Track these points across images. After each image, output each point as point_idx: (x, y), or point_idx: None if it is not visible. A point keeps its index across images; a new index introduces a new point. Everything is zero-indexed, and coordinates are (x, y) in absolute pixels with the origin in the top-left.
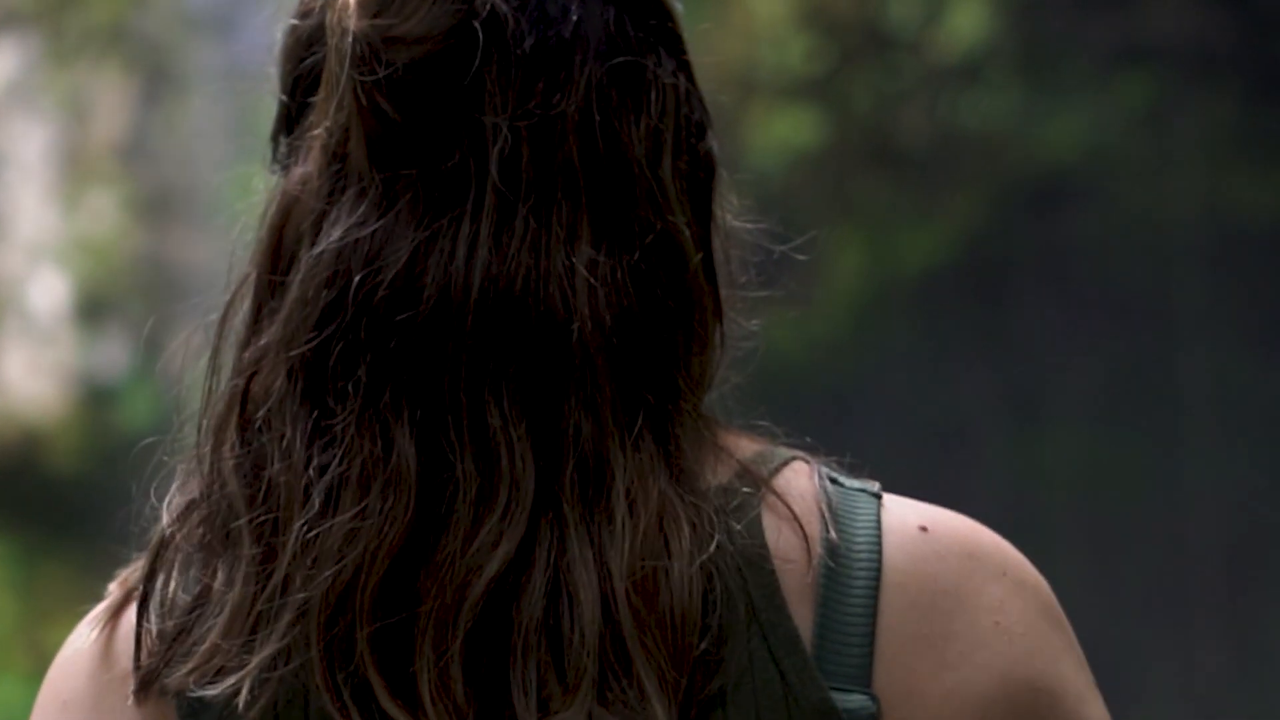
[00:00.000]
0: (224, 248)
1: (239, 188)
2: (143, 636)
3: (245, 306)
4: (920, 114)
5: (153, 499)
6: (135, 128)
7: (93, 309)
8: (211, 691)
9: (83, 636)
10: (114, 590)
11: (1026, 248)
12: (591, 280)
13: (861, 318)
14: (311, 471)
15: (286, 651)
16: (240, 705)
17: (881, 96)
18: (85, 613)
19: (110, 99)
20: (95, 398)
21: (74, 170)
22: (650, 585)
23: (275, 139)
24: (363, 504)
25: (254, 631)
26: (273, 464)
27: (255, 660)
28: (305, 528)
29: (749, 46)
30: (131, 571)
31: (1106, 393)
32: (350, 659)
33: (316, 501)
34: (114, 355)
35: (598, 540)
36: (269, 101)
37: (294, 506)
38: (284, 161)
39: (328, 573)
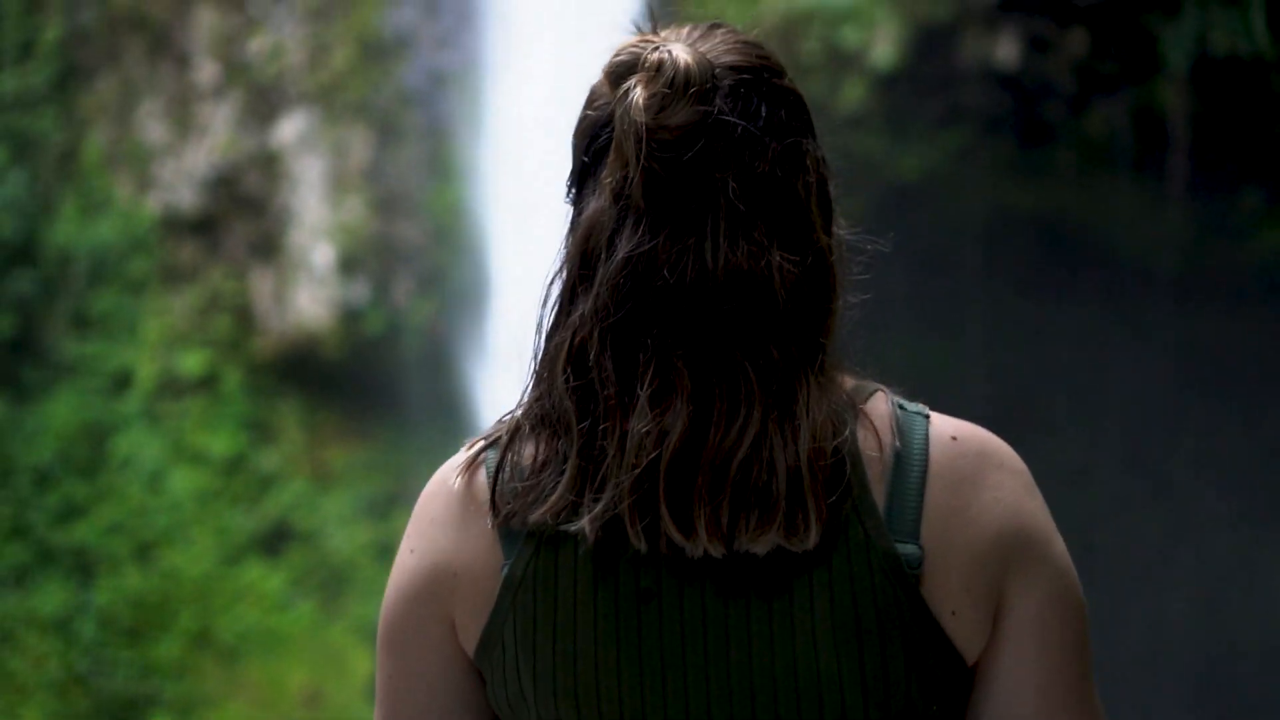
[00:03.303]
0: (425, 229)
1: (435, 196)
2: (498, 484)
3: (560, 288)
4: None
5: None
6: (374, 160)
7: (348, 265)
8: (572, 527)
9: (449, 482)
10: (466, 453)
11: (885, 233)
12: (783, 273)
13: None
14: (626, 394)
15: (612, 503)
16: (585, 533)
17: None
18: (351, 443)
19: (359, 142)
20: (349, 316)
21: (337, 184)
22: (820, 460)
23: (571, 183)
24: (659, 411)
25: (585, 491)
26: (602, 389)
27: (599, 507)
28: (626, 426)
29: None
30: (474, 443)
31: (921, 319)
32: (648, 506)
33: (631, 411)
34: (360, 291)
35: (791, 432)
36: (455, 144)
37: (615, 414)
38: (579, 197)
39: (640, 455)
